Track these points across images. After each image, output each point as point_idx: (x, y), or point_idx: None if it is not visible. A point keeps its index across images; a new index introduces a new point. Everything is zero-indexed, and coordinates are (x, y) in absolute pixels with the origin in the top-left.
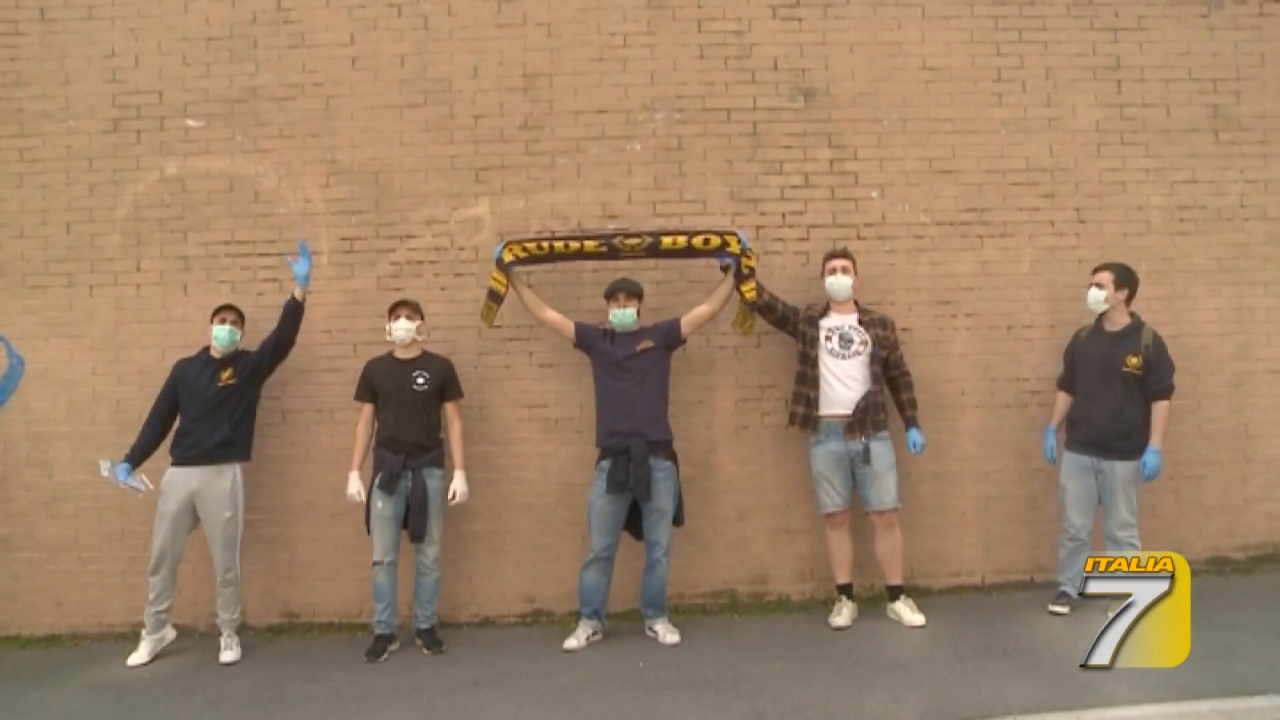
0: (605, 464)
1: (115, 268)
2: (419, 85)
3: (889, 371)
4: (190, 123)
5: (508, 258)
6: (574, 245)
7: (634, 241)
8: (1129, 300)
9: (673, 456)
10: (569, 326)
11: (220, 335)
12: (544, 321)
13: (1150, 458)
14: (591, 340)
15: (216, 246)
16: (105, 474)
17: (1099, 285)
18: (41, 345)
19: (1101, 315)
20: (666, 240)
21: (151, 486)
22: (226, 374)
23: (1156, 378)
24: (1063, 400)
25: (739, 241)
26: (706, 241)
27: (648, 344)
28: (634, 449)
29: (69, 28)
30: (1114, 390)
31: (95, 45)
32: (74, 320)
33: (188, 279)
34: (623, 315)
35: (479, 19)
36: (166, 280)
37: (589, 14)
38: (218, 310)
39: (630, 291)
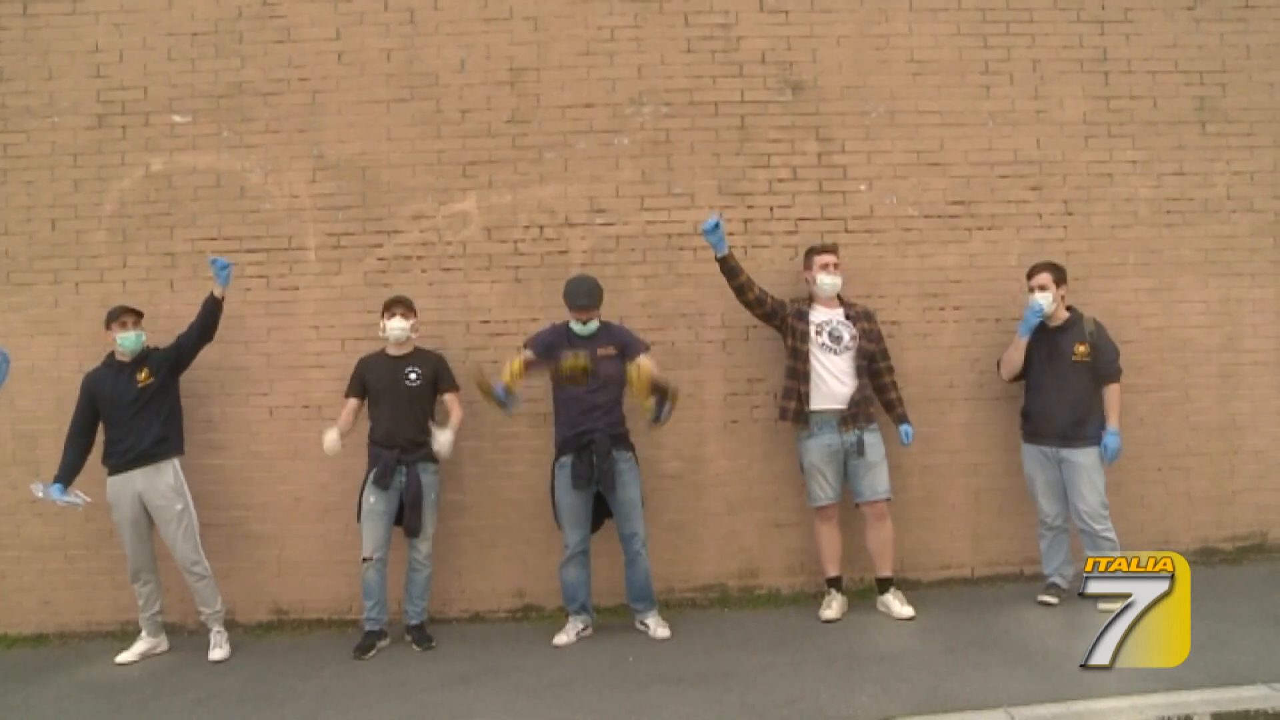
0: (566, 459)
1: (101, 264)
2: (405, 80)
3: (875, 364)
4: (176, 118)
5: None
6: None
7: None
8: (1063, 295)
9: (631, 448)
10: (536, 368)
11: (128, 343)
12: (524, 377)
13: (1110, 439)
14: (554, 347)
15: (203, 243)
16: (39, 495)
17: (1043, 288)
18: (27, 342)
19: None
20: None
21: (89, 499)
22: (143, 374)
23: (1106, 361)
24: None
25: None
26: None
27: (610, 350)
28: (598, 442)
29: (52, 23)
30: (1067, 381)
31: (79, 40)
32: (60, 317)
33: (174, 275)
34: (588, 328)
35: (465, 13)
36: (153, 277)
37: (575, 8)
38: (116, 316)
39: (591, 305)
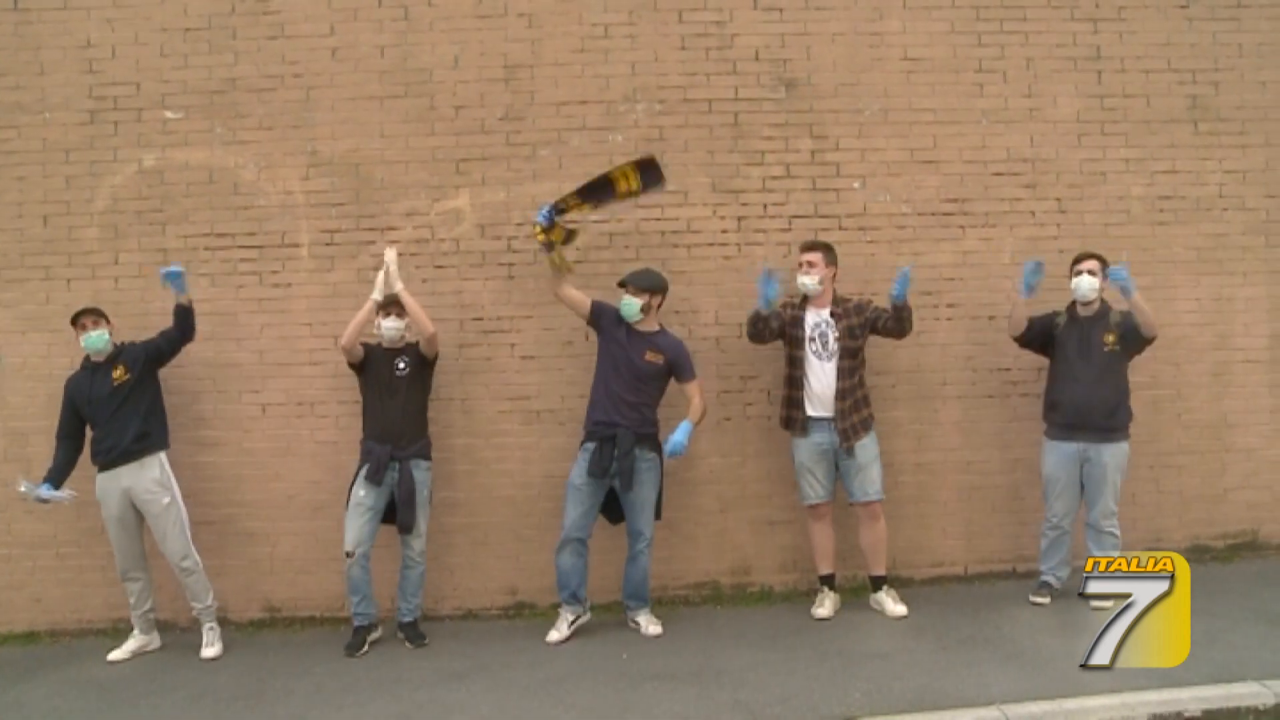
0: (590, 446)
1: (93, 261)
2: (399, 76)
3: (881, 324)
4: (168, 114)
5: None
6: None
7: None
8: (1104, 289)
9: (657, 448)
10: (585, 304)
11: (92, 343)
12: (561, 296)
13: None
14: (605, 321)
15: (196, 239)
16: (23, 490)
17: (1091, 273)
18: (19, 339)
19: (1075, 302)
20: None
21: (76, 494)
22: (119, 372)
23: (1135, 335)
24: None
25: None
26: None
27: (660, 357)
28: (620, 437)
29: (44, 18)
30: (1097, 370)
31: (71, 36)
32: (51, 314)
33: None
34: (628, 304)
35: (459, 9)
36: (145, 273)
37: (570, 4)
38: (77, 319)
39: (639, 286)
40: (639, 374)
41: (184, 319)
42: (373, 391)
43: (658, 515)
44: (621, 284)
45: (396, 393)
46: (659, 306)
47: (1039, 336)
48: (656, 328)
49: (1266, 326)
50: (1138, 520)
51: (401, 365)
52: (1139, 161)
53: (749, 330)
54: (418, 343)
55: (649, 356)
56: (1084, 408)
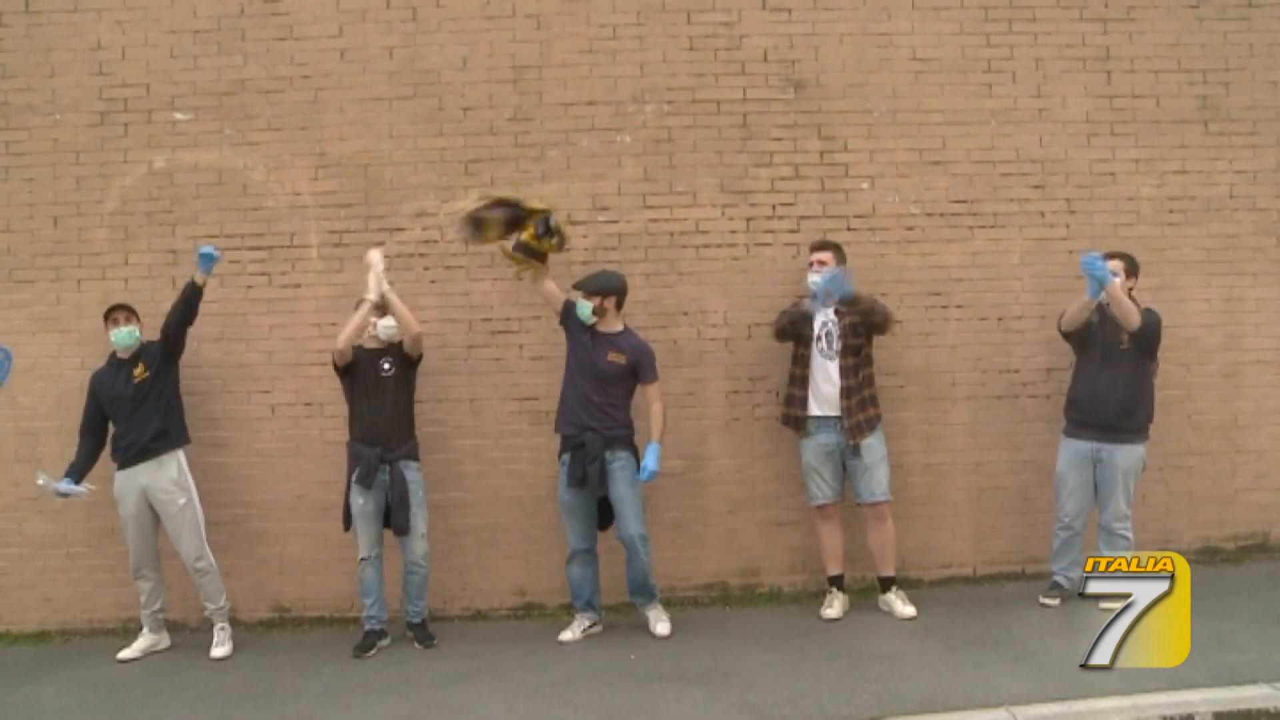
0: (565, 458)
1: (103, 262)
2: (408, 77)
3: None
4: (178, 116)
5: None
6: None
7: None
8: (1132, 288)
9: (631, 448)
10: (559, 301)
11: (121, 338)
12: (541, 290)
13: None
14: (571, 322)
15: (205, 240)
16: (41, 483)
17: (1114, 273)
18: (29, 340)
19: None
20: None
21: (94, 488)
22: (139, 370)
23: (1148, 339)
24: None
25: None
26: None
27: (622, 358)
28: (589, 443)
29: (54, 20)
30: (1113, 370)
31: (81, 38)
32: (62, 315)
33: (176, 273)
34: (580, 307)
35: (467, 11)
36: (155, 274)
37: (578, 5)
38: (109, 313)
39: (590, 289)
40: (602, 375)
41: (190, 297)
42: (360, 394)
43: None
44: (576, 286)
45: (384, 394)
46: (618, 308)
47: (1079, 331)
48: (620, 328)
49: (1278, 327)
50: (1148, 521)
51: (386, 366)
52: (1149, 162)
53: (785, 328)
54: (401, 343)
55: (611, 357)
56: (1097, 405)
